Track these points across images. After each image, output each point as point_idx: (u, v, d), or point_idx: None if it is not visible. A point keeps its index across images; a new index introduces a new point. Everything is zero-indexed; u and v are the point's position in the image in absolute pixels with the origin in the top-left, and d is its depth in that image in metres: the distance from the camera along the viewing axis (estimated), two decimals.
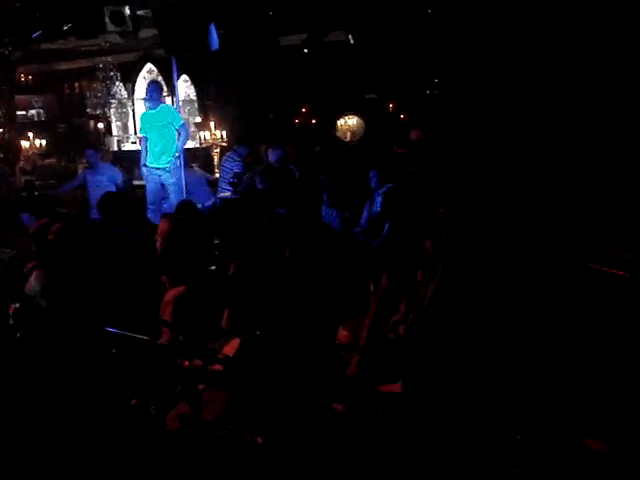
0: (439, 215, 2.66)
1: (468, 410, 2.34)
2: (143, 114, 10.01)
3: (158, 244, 5.82)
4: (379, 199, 8.15)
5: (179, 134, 9.71)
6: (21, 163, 14.23)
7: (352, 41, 7.66)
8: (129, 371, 2.20)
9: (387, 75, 11.55)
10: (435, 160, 2.57)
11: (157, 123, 9.52)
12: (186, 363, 3.06)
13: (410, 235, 2.82)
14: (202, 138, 13.36)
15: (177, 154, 9.65)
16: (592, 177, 4.52)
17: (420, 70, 10.55)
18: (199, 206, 10.45)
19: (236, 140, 12.22)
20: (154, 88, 9.85)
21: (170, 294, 4.19)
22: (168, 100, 14.96)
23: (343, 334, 3.92)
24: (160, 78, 15.46)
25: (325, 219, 8.03)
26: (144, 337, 2.42)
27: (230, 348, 3.13)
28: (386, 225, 7.34)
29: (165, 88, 15.33)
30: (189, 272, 5.45)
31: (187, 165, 11.80)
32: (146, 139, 9.75)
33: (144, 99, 10.14)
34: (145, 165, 9.70)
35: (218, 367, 2.89)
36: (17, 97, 16.54)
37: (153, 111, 9.61)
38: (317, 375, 3.15)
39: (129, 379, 2.24)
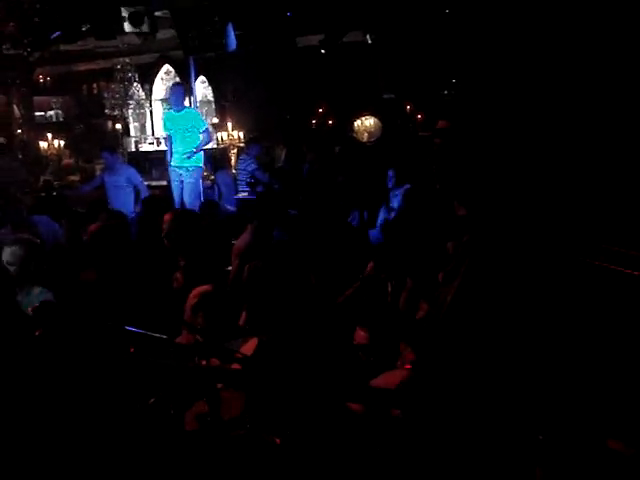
0: (461, 217, 2.64)
1: (488, 410, 2.32)
2: (167, 114, 10.04)
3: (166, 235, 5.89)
4: (397, 198, 8.13)
5: (202, 136, 9.78)
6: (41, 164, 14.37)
7: (370, 41, 7.63)
8: (147, 370, 2.20)
9: (405, 75, 11.53)
10: (457, 159, 2.54)
11: (181, 126, 9.58)
12: (204, 362, 3.06)
13: (432, 236, 2.80)
14: (219, 139, 13.40)
15: (201, 159, 9.75)
16: (610, 178, 4.49)
17: (437, 70, 10.52)
18: (228, 207, 10.53)
19: (247, 141, 12.31)
20: (178, 91, 9.87)
21: (195, 292, 4.18)
22: (185, 101, 15.06)
23: (361, 334, 3.91)
24: (177, 79, 15.56)
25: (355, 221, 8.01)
26: (162, 336, 2.41)
27: (248, 348, 3.12)
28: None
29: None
30: (206, 271, 5.49)
31: (221, 166, 11.90)
32: (170, 138, 9.83)
33: (167, 101, 10.18)
34: (170, 164, 9.81)
35: (236, 366, 2.88)
36: (36, 98, 16.65)
37: (177, 113, 9.67)
38: (334, 375, 3.14)
39: (147, 378, 2.23)
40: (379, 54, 9.95)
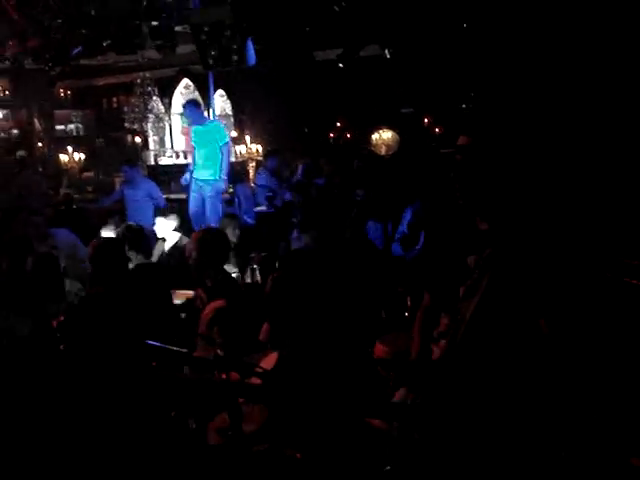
0: (483, 231, 2.63)
1: (511, 428, 2.30)
2: (194, 128, 10.09)
3: (191, 255, 5.89)
4: (409, 213, 8.10)
5: (222, 152, 9.84)
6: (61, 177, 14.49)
7: (388, 56, 7.64)
8: (169, 383, 2.20)
9: (423, 89, 11.53)
10: (478, 175, 2.53)
11: (205, 139, 9.65)
12: (224, 376, 3.06)
13: (450, 250, 2.79)
14: (238, 152, 13.46)
15: (222, 172, 9.78)
16: (633, 196, 4.46)
17: (456, 84, 10.51)
18: (247, 219, 10.56)
19: (265, 154, 12.36)
20: (191, 108, 9.93)
21: (210, 308, 4.20)
22: (204, 115, 15.16)
23: (381, 349, 3.90)
24: (196, 93, 15.67)
25: (370, 233, 7.98)
26: (183, 350, 2.42)
27: (268, 362, 3.12)
28: (421, 239, 7.30)
29: (202, 102, 15.53)
30: (227, 285, 5.50)
31: (240, 179, 11.94)
32: (195, 150, 9.92)
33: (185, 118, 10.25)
34: (191, 175, 9.86)
35: (255, 381, 2.88)
36: (56, 112, 16.83)
37: (202, 127, 9.74)
38: (354, 390, 3.13)
39: (169, 391, 2.24)
40: (397, 68, 9.96)
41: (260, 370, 2.72)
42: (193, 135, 10.00)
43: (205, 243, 5.66)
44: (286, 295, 4.52)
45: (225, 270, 5.82)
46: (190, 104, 10.14)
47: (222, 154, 9.77)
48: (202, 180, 9.73)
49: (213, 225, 9.20)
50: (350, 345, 3.68)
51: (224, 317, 4.05)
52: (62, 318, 1.98)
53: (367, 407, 2.53)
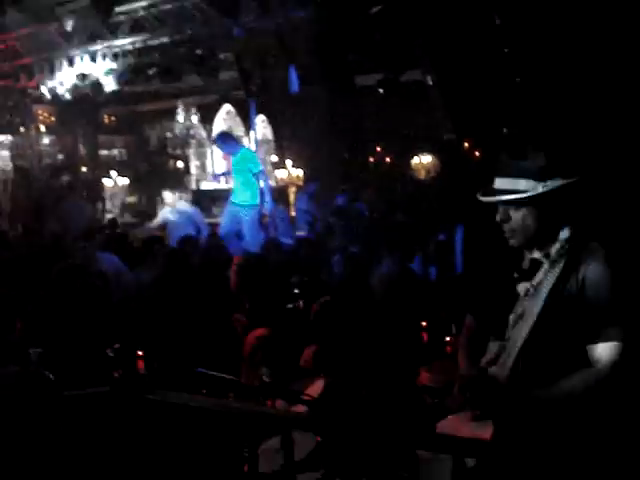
0: (533, 259, 2.61)
1: (566, 463, 2.27)
2: (232, 158, 10.29)
3: (232, 280, 5.94)
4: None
5: (258, 179, 9.99)
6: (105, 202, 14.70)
7: (430, 82, 7.65)
8: (220, 412, 2.21)
9: (464, 114, 11.50)
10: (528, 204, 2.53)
11: (238, 167, 9.82)
12: (269, 403, 3.07)
13: (498, 276, 2.77)
14: (279, 177, 13.56)
15: (263, 197, 9.90)
16: None
17: (497, 108, 10.47)
18: (285, 240, 10.61)
19: (304, 179, 12.48)
20: (222, 140, 10.13)
21: (252, 336, 4.18)
22: (245, 140, 15.31)
23: (426, 376, 3.87)
24: (237, 119, 15.87)
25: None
26: (232, 377, 2.43)
27: (314, 389, 3.11)
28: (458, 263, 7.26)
29: (243, 128, 15.72)
30: (269, 311, 5.52)
31: (277, 202, 12.03)
32: (234, 177, 10.09)
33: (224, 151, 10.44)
34: (231, 202, 10.02)
35: (301, 408, 2.88)
36: (100, 137, 17.13)
37: (235, 157, 9.90)
38: (401, 419, 3.11)
39: (219, 419, 2.25)
40: (438, 93, 9.97)
41: (308, 398, 2.72)
42: (232, 161, 10.21)
43: (244, 269, 5.72)
44: (335, 320, 4.53)
45: (266, 295, 5.86)
46: (221, 137, 10.37)
47: (258, 181, 9.92)
48: (238, 204, 9.85)
49: (252, 250, 9.31)
50: (397, 372, 3.66)
51: (268, 346, 4.04)
52: (118, 345, 2.00)
53: (415, 437, 2.50)
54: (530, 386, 2.55)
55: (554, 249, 2.56)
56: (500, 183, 2.60)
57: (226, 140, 10.04)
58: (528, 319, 2.58)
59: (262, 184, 10.07)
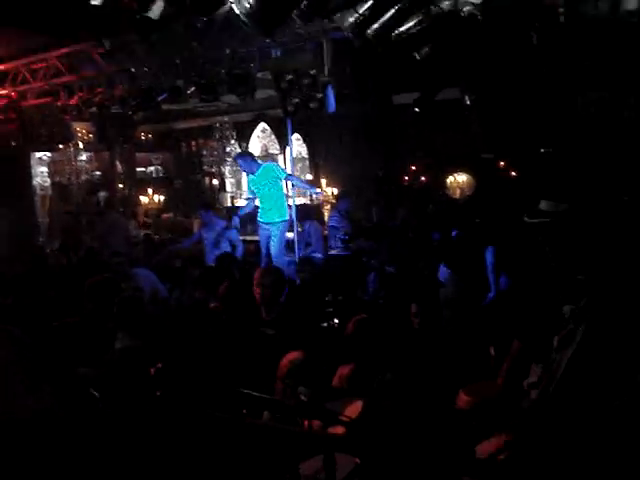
0: (579, 280, 2.57)
1: None
2: (249, 179, 10.28)
3: (257, 294, 5.97)
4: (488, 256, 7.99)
5: (291, 182, 10.06)
6: (140, 217, 14.85)
7: (468, 102, 7.61)
8: (261, 433, 2.20)
9: (502, 133, 11.45)
10: (574, 226, 2.49)
11: (262, 183, 9.78)
12: (306, 423, 3.04)
13: (544, 298, 2.73)
14: (314, 196, 13.57)
15: (287, 218, 9.95)
16: None
17: (534, 127, 10.41)
18: (317, 255, 10.62)
19: (336, 196, 12.47)
20: (244, 159, 10.17)
21: (287, 360, 4.13)
22: (280, 158, 15.40)
23: (465, 399, 3.81)
24: (273, 137, 15.97)
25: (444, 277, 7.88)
26: (271, 397, 2.42)
27: (352, 410, 3.07)
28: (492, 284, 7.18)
29: (278, 146, 15.82)
30: (302, 329, 5.51)
31: (309, 218, 12.07)
32: (256, 199, 10.07)
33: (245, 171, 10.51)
34: (258, 221, 10.00)
35: (339, 429, 2.85)
36: (137, 154, 17.33)
37: (254, 176, 9.90)
38: (440, 441, 3.06)
39: (263, 439, 2.24)
40: (475, 112, 9.93)
41: (346, 419, 2.69)
42: (250, 186, 10.16)
43: (265, 281, 5.78)
44: (371, 339, 4.49)
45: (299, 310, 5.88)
46: (241, 156, 10.45)
47: (293, 181, 10.00)
48: (267, 223, 9.83)
49: (276, 262, 9.37)
50: (436, 394, 3.61)
51: (302, 369, 3.99)
52: (160, 364, 2.01)
53: (456, 462, 2.46)
54: (571, 412, 2.50)
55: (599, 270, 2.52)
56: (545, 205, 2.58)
57: (246, 159, 10.06)
58: (572, 343, 2.54)
59: (291, 185, 10.16)
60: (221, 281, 6.70)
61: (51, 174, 15.65)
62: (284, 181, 9.98)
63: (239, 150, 16.13)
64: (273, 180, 9.73)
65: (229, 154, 16.24)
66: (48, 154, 15.23)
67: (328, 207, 13.08)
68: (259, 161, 10.28)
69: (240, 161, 10.25)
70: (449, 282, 7.25)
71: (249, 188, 10.25)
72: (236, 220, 10.28)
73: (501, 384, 3.53)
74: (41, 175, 15.31)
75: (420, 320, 5.10)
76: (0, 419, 1.27)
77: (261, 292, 5.92)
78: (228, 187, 16.90)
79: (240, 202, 16.16)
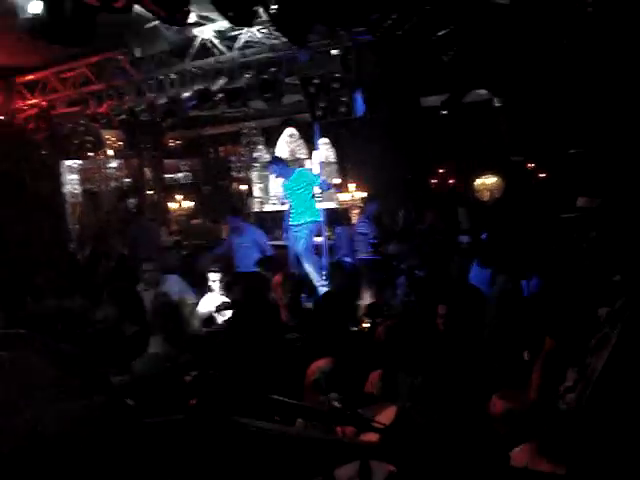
0: (615, 282, 2.53)
1: None
2: (283, 185, 10.38)
3: (279, 299, 5.98)
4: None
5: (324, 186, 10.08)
6: (171, 224, 14.94)
7: (497, 103, 7.56)
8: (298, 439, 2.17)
9: (531, 135, 11.35)
10: (611, 228, 2.45)
11: (295, 188, 9.86)
12: (339, 429, 3.02)
13: (579, 300, 2.69)
14: (341, 199, 13.56)
15: (319, 219, 9.95)
16: None
17: (564, 129, 10.30)
18: (348, 260, 10.60)
19: (364, 200, 12.47)
20: (277, 163, 10.31)
21: (315, 367, 4.10)
22: (307, 163, 15.40)
23: (498, 404, 3.76)
24: (300, 142, 15.96)
25: (475, 279, 7.82)
26: (307, 405, 2.40)
27: (386, 416, 3.05)
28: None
29: (305, 151, 15.81)
30: (332, 334, 5.49)
31: (339, 222, 12.08)
32: (290, 201, 10.15)
33: (277, 175, 10.56)
34: (289, 225, 10.06)
35: (372, 436, 2.83)
36: (166, 161, 17.44)
37: (289, 180, 9.98)
38: (475, 448, 3.03)
39: (297, 446, 2.21)
40: (505, 114, 9.86)
41: (380, 426, 2.67)
42: (284, 189, 10.26)
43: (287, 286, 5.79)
44: (401, 344, 4.46)
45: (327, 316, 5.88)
46: (275, 161, 10.56)
47: (323, 189, 10.01)
48: (297, 224, 9.89)
49: (306, 264, 9.39)
50: (469, 399, 3.57)
51: (332, 376, 3.96)
52: (195, 373, 1.99)
53: (491, 469, 2.42)
54: (607, 418, 2.46)
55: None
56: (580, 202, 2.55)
57: (279, 164, 10.17)
58: (607, 346, 2.50)
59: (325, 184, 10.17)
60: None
61: (81, 182, 15.81)
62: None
63: (267, 155, 16.18)
64: (306, 185, 9.80)
65: (257, 159, 16.28)
66: (78, 162, 15.38)
67: (357, 211, 13.05)
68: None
69: (275, 166, 10.31)
70: (494, 284, 7.21)
71: (285, 197, 10.34)
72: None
73: (536, 388, 3.48)
74: (71, 183, 15.46)
75: (446, 322, 5.04)
76: (30, 431, 1.26)
77: (283, 297, 5.94)
78: (256, 192, 16.95)
79: (268, 207, 16.21)
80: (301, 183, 9.83)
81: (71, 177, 15.44)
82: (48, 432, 1.22)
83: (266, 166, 11.24)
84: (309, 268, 9.61)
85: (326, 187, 10.18)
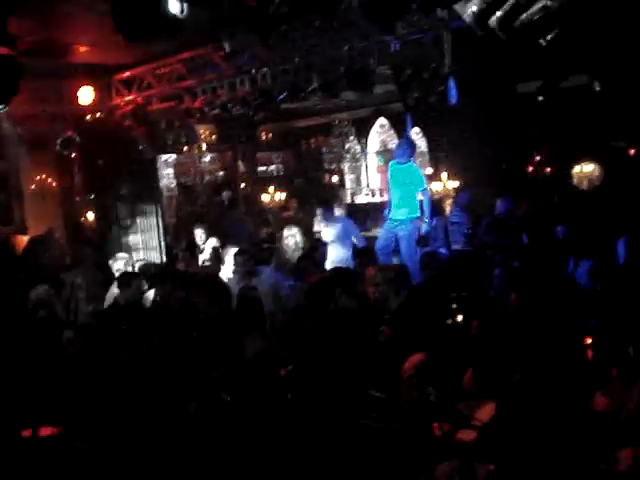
0: None
1: None
2: (391, 164, 10.16)
3: (370, 293, 5.91)
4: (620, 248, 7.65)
5: (421, 197, 9.86)
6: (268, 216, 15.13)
7: (598, 88, 7.24)
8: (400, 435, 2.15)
9: (634, 120, 10.87)
10: None
11: (400, 179, 9.71)
12: (436, 426, 2.96)
13: None
14: (434, 189, 13.38)
15: (425, 215, 9.76)
16: None
17: None
18: (442, 251, 10.44)
19: (457, 189, 12.23)
20: (403, 144, 10.09)
21: (411, 363, 4.02)
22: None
23: (602, 401, 3.61)
24: (391, 132, 15.85)
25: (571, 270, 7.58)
26: (405, 400, 2.37)
27: (485, 413, 2.97)
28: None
29: (397, 141, 15.68)
30: (426, 327, 5.40)
31: (435, 213, 11.90)
32: (391, 189, 10.02)
33: (382, 154, 10.42)
34: (387, 217, 9.94)
35: (468, 433, 2.76)
36: (258, 154, 17.65)
37: (400, 166, 9.82)
38: (578, 447, 2.91)
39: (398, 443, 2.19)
40: (608, 99, 9.48)
41: (478, 423, 2.61)
42: (390, 171, 10.04)
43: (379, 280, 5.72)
44: (496, 338, 4.35)
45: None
46: (405, 140, 10.46)
47: (424, 198, 9.77)
48: (397, 220, 9.73)
49: (409, 264, 9.22)
50: (571, 396, 3.44)
51: (427, 371, 3.87)
52: (290, 367, 1.99)
53: (597, 470, 2.33)
54: None
55: None
56: None
57: (404, 147, 10.01)
58: None
59: (422, 198, 9.93)
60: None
61: (176, 176, 16.19)
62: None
63: (357, 147, 16.15)
64: (410, 183, 9.66)
65: (348, 150, 16.27)
66: (173, 156, 15.74)
67: (449, 201, 12.86)
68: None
69: (400, 144, 10.16)
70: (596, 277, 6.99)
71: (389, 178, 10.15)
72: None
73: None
74: (167, 177, 15.85)
75: (544, 316, 4.88)
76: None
77: (374, 291, 5.87)
78: (348, 184, 16.96)
79: (360, 198, 16.17)
80: (410, 177, 9.70)
81: (167, 171, 15.84)
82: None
83: (398, 146, 10.85)
84: (411, 265, 9.47)
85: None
